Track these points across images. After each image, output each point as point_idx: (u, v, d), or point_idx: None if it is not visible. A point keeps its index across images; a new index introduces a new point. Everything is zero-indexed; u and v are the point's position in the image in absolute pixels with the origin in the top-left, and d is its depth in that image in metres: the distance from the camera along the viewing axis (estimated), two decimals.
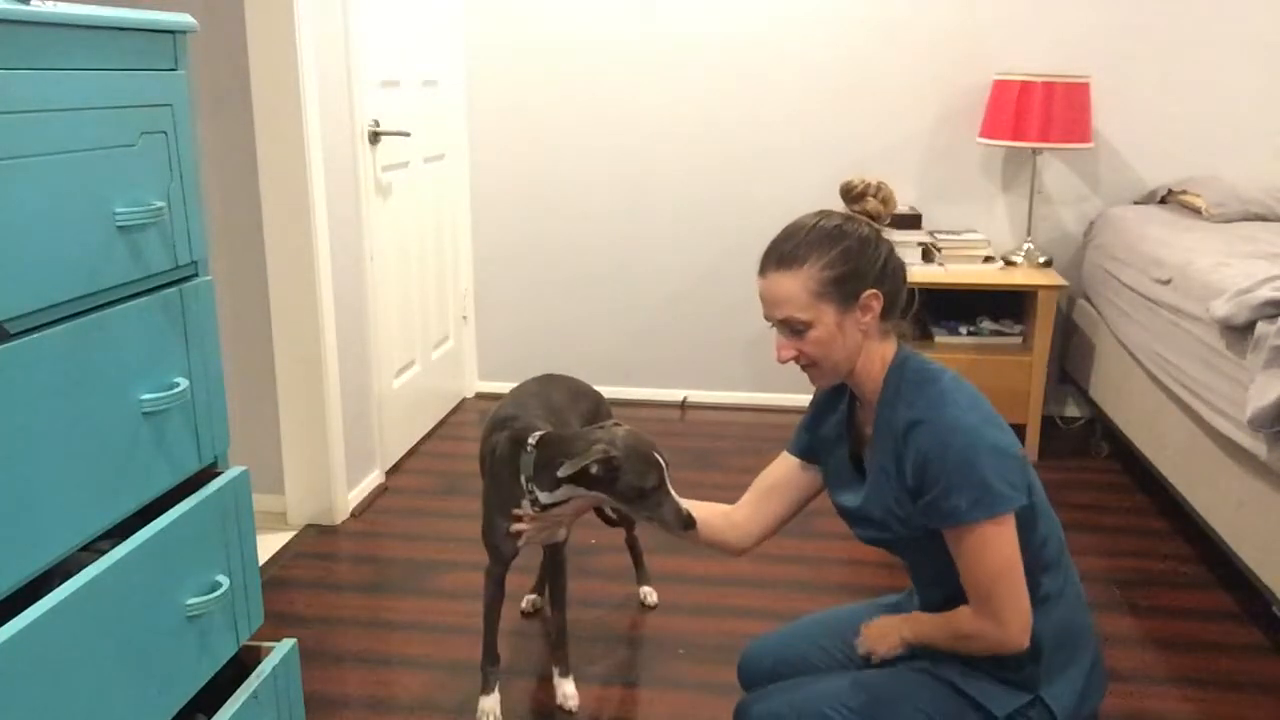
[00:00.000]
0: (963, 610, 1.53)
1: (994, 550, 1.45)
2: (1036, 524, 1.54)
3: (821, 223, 1.54)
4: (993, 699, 1.57)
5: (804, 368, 1.57)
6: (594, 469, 1.81)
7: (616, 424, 1.98)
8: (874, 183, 1.56)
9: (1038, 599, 1.52)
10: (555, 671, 2.29)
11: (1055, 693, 1.57)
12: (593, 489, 1.85)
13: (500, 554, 2.17)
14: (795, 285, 1.51)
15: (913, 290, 1.58)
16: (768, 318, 1.57)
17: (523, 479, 1.96)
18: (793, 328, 1.53)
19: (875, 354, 1.56)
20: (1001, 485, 1.44)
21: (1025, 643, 1.48)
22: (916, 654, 1.70)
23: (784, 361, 1.56)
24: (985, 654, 1.53)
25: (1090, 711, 1.63)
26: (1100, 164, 3.87)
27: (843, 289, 1.50)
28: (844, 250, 1.50)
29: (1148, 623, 2.60)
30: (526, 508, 1.99)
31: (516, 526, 2.01)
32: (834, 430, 1.72)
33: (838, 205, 1.65)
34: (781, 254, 1.53)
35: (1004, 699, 1.56)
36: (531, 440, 1.97)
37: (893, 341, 1.58)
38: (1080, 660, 1.60)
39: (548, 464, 1.91)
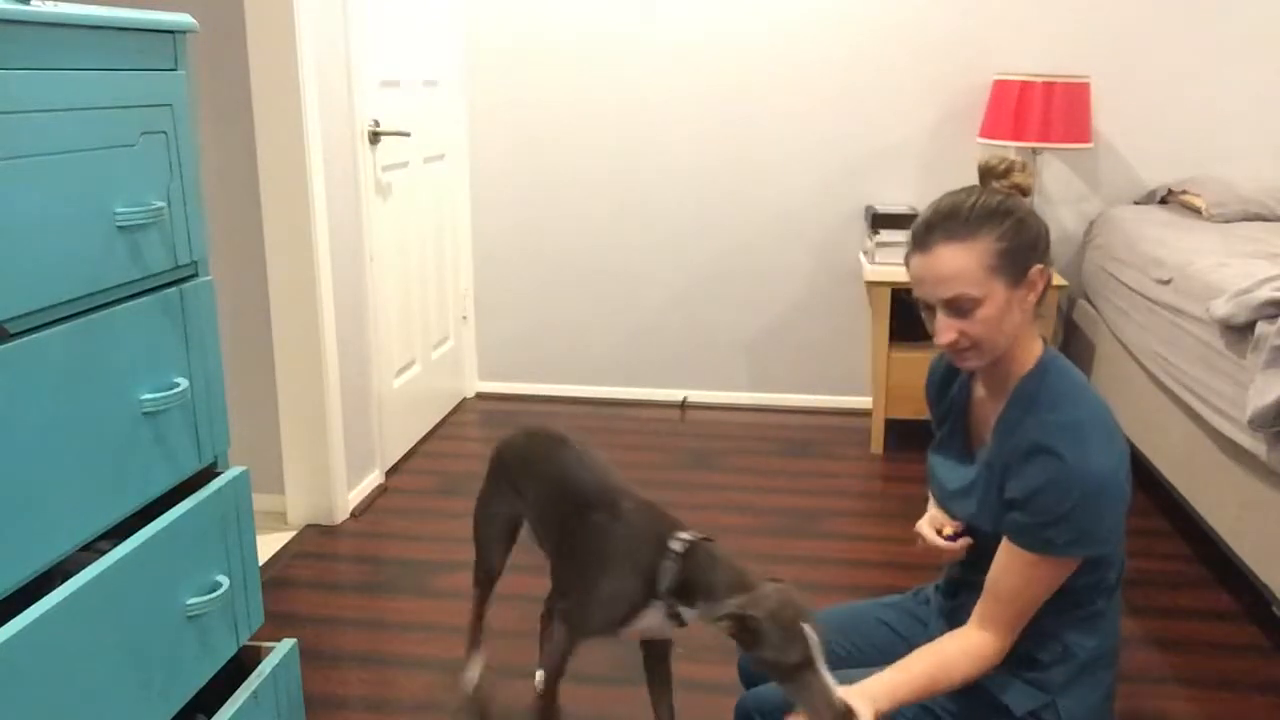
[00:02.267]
0: (965, 653, 1.48)
1: (1043, 581, 1.44)
2: (1114, 551, 1.51)
3: (984, 198, 1.44)
4: (1012, 695, 1.55)
5: (960, 351, 1.48)
6: (725, 626, 1.54)
7: (776, 579, 1.68)
8: (1016, 160, 1.49)
9: (1090, 614, 1.50)
10: None
11: (1071, 705, 1.55)
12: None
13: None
14: (969, 259, 1.40)
15: None
16: (926, 298, 1.47)
17: (660, 588, 1.74)
18: (960, 306, 1.43)
19: (1027, 344, 1.48)
20: (1104, 530, 1.42)
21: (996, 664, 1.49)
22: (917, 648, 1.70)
23: (945, 345, 1.47)
24: (967, 680, 1.49)
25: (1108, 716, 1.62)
26: (1100, 164, 3.87)
27: (1015, 263, 1.41)
28: (1017, 222, 1.42)
29: (1148, 623, 2.60)
30: (655, 618, 1.78)
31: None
32: (949, 406, 1.65)
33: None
34: (950, 226, 1.42)
35: (1023, 697, 1.55)
36: (677, 547, 1.74)
37: (1038, 339, 1.51)
38: (1104, 681, 1.59)
39: (694, 592, 1.70)
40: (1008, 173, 1.48)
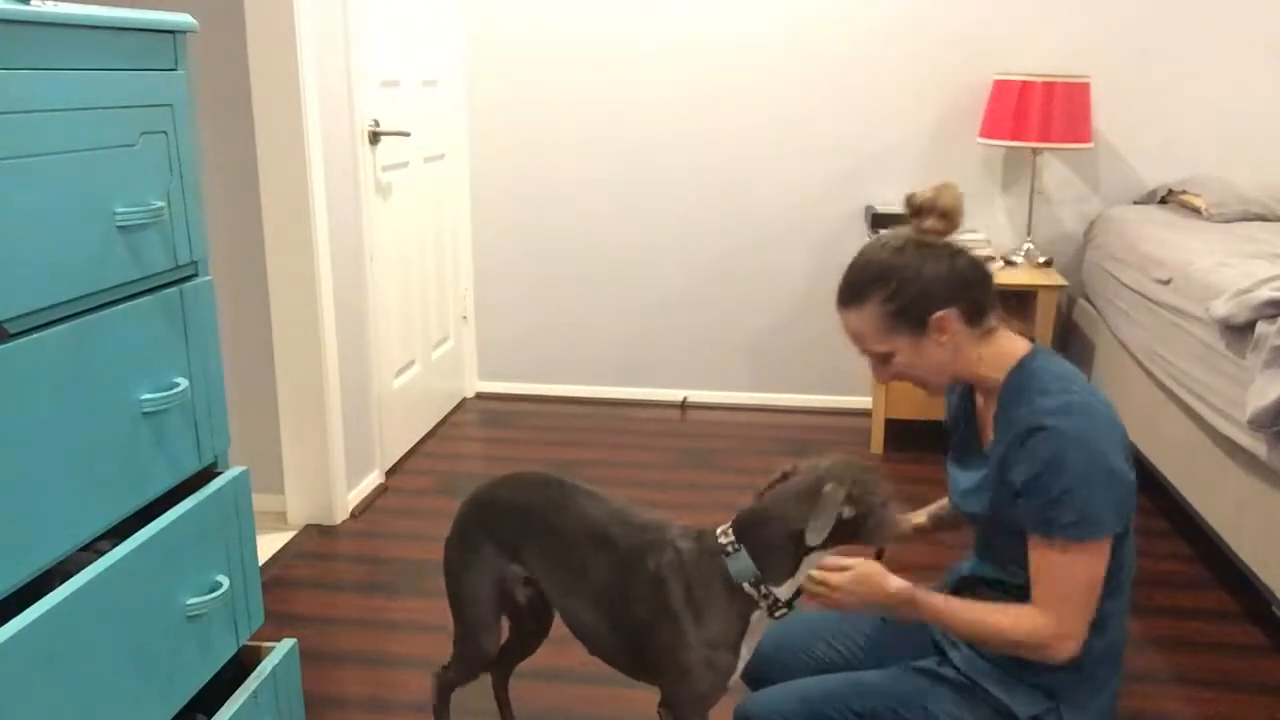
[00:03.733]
0: (1017, 611, 1.48)
1: (1082, 568, 1.44)
2: (1123, 549, 1.51)
3: (878, 255, 1.52)
4: (1017, 699, 1.55)
5: (910, 383, 1.57)
6: (845, 513, 1.51)
7: (792, 469, 1.62)
8: (931, 196, 1.52)
9: (1098, 616, 1.49)
10: None
11: (1075, 709, 1.55)
12: (839, 543, 1.54)
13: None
14: (863, 323, 1.52)
15: (992, 279, 1.56)
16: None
17: (746, 587, 1.57)
18: (877, 357, 1.54)
19: (986, 357, 1.53)
20: (1106, 512, 1.42)
21: (1067, 659, 1.47)
22: (916, 651, 1.70)
23: (884, 383, 1.55)
24: (1016, 655, 1.51)
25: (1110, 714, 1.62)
26: (1100, 164, 3.87)
27: (909, 318, 1.49)
28: (901, 282, 1.49)
29: (1148, 623, 2.60)
30: (759, 623, 1.61)
31: None
32: (955, 413, 1.70)
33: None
34: (846, 292, 1.54)
35: (1027, 701, 1.54)
36: (724, 538, 1.59)
37: (1009, 339, 1.54)
38: (1108, 683, 1.58)
39: (771, 548, 1.56)
40: (919, 213, 1.52)
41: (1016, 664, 1.54)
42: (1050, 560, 1.45)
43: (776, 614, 1.60)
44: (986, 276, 1.53)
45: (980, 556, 1.68)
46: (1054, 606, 1.46)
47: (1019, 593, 1.52)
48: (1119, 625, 1.57)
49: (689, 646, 1.59)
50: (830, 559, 1.55)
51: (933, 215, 1.51)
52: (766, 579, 1.57)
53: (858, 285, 1.51)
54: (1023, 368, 1.51)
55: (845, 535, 1.53)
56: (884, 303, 1.49)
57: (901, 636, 1.77)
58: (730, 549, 1.59)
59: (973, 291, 1.51)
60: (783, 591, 1.58)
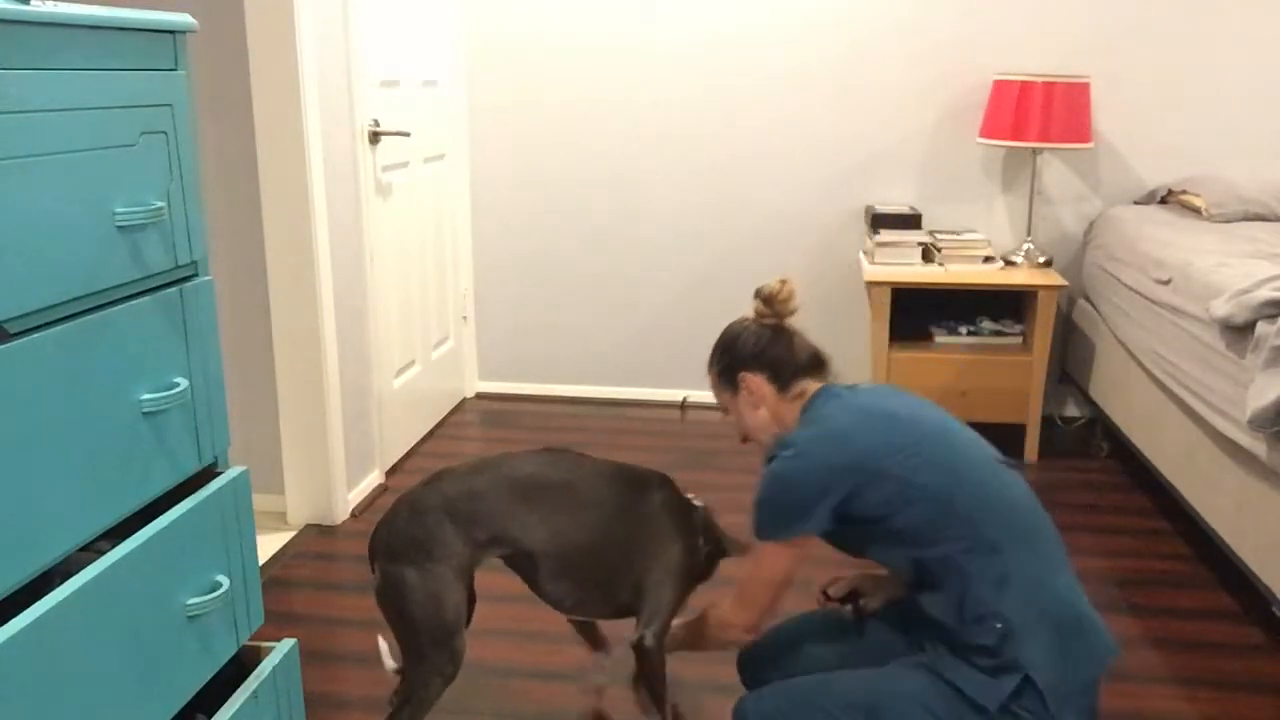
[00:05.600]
0: (719, 604, 1.87)
1: (767, 565, 1.78)
2: (947, 522, 1.65)
3: (725, 332, 1.93)
4: (983, 691, 1.59)
5: (749, 441, 1.93)
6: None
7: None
8: (772, 289, 1.90)
9: (991, 580, 1.61)
10: None
11: (1031, 659, 1.59)
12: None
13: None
14: (709, 381, 1.95)
15: (812, 353, 1.90)
16: None
17: (702, 538, 2.06)
18: (723, 411, 1.96)
19: (790, 414, 1.84)
20: (769, 519, 1.74)
21: (747, 638, 1.86)
22: (907, 649, 1.73)
23: (742, 443, 1.96)
24: (717, 644, 1.91)
25: (1088, 679, 1.63)
26: (1100, 164, 3.87)
27: (729, 380, 1.89)
28: (720, 350, 1.91)
29: (1148, 623, 2.60)
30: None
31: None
32: None
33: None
34: (710, 358, 1.95)
35: (992, 689, 1.59)
36: (699, 502, 2.09)
37: (807, 396, 1.85)
38: (1050, 627, 1.62)
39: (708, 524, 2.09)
40: (765, 300, 1.90)
41: (969, 656, 1.61)
42: (754, 554, 1.81)
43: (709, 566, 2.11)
44: (794, 352, 1.88)
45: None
46: (746, 601, 1.81)
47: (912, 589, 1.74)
48: (1026, 582, 1.62)
49: (673, 562, 2.00)
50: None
51: (766, 303, 1.89)
52: (706, 539, 2.06)
53: (712, 352, 1.93)
54: (800, 418, 1.82)
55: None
56: (713, 365, 1.92)
57: (893, 635, 1.81)
58: (701, 507, 2.07)
59: (777, 362, 1.86)
60: (709, 550, 2.08)
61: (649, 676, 1.99)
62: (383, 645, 1.97)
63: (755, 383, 1.86)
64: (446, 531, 1.83)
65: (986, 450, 1.74)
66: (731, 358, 1.90)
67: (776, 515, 1.74)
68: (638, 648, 1.95)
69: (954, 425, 1.75)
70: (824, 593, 2.02)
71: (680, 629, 1.99)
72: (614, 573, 1.95)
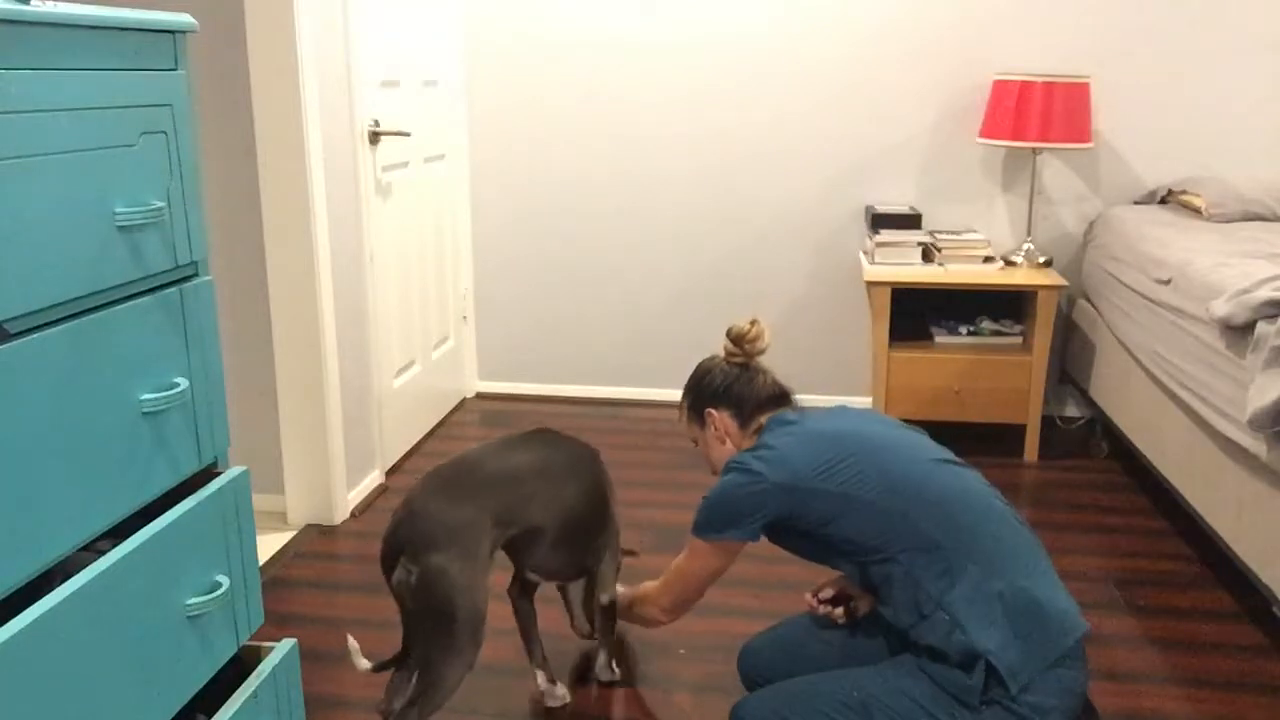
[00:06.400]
0: (650, 584, 2.06)
1: (694, 558, 1.92)
2: (884, 528, 1.73)
3: (697, 369, 2.06)
4: (960, 685, 1.64)
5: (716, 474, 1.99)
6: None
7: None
8: (741, 329, 2.01)
9: (935, 575, 1.70)
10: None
11: (986, 644, 1.63)
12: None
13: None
14: (680, 415, 2.10)
15: (775, 390, 2.02)
16: None
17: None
18: (692, 443, 2.10)
19: (748, 446, 1.92)
20: (704, 520, 1.86)
21: (664, 620, 2.04)
22: (900, 648, 1.75)
23: (711, 473, 2.03)
24: (640, 619, 2.11)
25: (1057, 655, 1.65)
26: (1100, 164, 3.87)
27: (695, 413, 2.04)
28: (690, 387, 2.06)
29: (1148, 623, 2.60)
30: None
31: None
32: None
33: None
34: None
35: (967, 685, 1.64)
36: None
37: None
38: (1002, 612, 1.66)
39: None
40: (735, 340, 2.02)
41: (931, 649, 1.67)
42: (686, 548, 1.93)
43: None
44: (758, 389, 1.99)
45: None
46: (668, 587, 1.98)
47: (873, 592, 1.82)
48: (975, 573, 1.68)
49: (617, 520, 2.26)
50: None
51: (735, 343, 2.00)
52: None
53: (684, 388, 2.07)
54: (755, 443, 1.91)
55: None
56: (684, 399, 2.07)
57: (884, 635, 1.83)
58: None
59: (742, 400, 1.98)
60: None
61: (608, 627, 2.27)
62: (353, 644, 1.96)
63: (719, 419, 2.00)
64: (484, 519, 1.88)
65: (929, 452, 1.81)
66: (698, 394, 2.03)
67: (711, 518, 1.87)
68: (607, 608, 2.22)
69: (897, 435, 1.85)
70: (814, 596, 2.03)
71: (623, 597, 2.18)
72: (590, 538, 2.15)
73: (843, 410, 1.96)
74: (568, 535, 2.09)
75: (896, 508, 1.72)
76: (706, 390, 2.03)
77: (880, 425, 1.87)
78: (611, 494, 2.24)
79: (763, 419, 1.96)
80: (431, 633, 1.84)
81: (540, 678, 2.25)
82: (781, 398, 2.02)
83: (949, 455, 1.83)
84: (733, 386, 2.00)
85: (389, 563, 1.88)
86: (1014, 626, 1.64)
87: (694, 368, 2.08)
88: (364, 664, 1.94)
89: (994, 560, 1.70)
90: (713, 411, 2.00)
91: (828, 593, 2.04)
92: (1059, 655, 1.65)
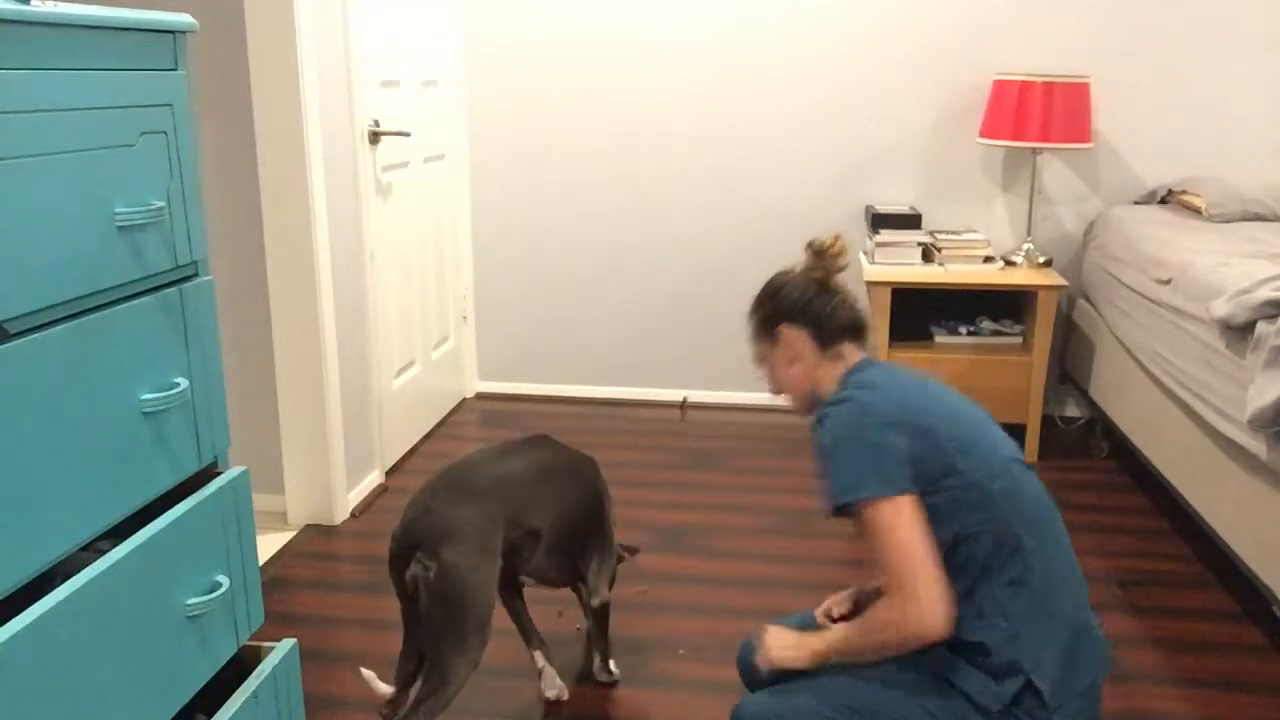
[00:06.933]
0: (877, 603, 1.61)
1: (885, 531, 1.57)
2: (980, 510, 1.60)
3: (771, 280, 1.84)
4: (985, 693, 1.59)
5: (783, 398, 1.84)
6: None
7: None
8: (824, 242, 1.80)
9: (1007, 578, 1.59)
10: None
11: (1035, 663, 1.58)
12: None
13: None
14: (749, 327, 1.86)
15: (857, 316, 1.79)
16: None
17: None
18: (758, 360, 1.86)
19: (827, 376, 1.76)
20: (867, 475, 1.59)
21: (943, 624, 1.54)
22: (912, 652, 1.72)
23: (773, 394, 1.85)
24: (905, 646, 1.57)
25: (1089, 684, 1.63)
26: (1100, 164, 3.87)
27: (769, 330, 1.81)
28: (767, 299, 1.82)
29: (1148, 623, 2.60)
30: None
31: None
32: None
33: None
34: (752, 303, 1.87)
35: (994, 691, 1.58)
36: None
37: (847, 361, 1.76)
38: (1056, 631, 1.61)
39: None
40: (817, 254, 1.81)
41: (968, 647, 1.60)
42: (865, 534, 1.60)
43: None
44: (839, 311, 1.77)
45: None
46: (891, 582, 1.57)
47: None
48: (1038, 586, 1.60)
49: (611, 525, 2.27)
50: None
51: (817, 256, 1.80)
52: None
53: (754, 299, 1.85)
54: (845, 377, 1.74)
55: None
56: (755, 312, 1.83)
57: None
58: None
59: (821, 319, 1.77)
60: None
61: (602, 628, 2.28)
62: (366, 674, 1.97)
63: (794, 337, 1.78)
64: (498, 518, 1.92)
65: (1014, 449, 1.71)
66: (773, 308, 1.81)
67: (859, 464, 1.60)
68: (599, 610, 2.24)
69: (988, 419, 1.71)
70: (825, 615, 1.93)
71: (845, 639, 1.69)
72: (586, 541, 2.18)
73: (928, 375, 1.77)
74: (565, 540, 2.13)
75: (997, 496, 1.61)
76: (782, 305, 1.80)
77: (971, 406, 1.73)
78: (608, 502, 2.26)
79: (844, 349, 1.77)
80: (444, 628, 1.84)
81: (538, 657, 2.27)
82: (861, 328, 1.81)
83: (1023, 457, 1.74)
84: (812, 303, 1.78)
85: (401, 560, 1.88)
86: (1064, 649, 1.61)
87: (767, 280, 1.86)
88: (384, 689, 1.95)
89: (1058, 576, 1.64)
90: (788, 328, 1.78)
91: (843, 606, 1.95)
92: (1089, 684, 1.64)
